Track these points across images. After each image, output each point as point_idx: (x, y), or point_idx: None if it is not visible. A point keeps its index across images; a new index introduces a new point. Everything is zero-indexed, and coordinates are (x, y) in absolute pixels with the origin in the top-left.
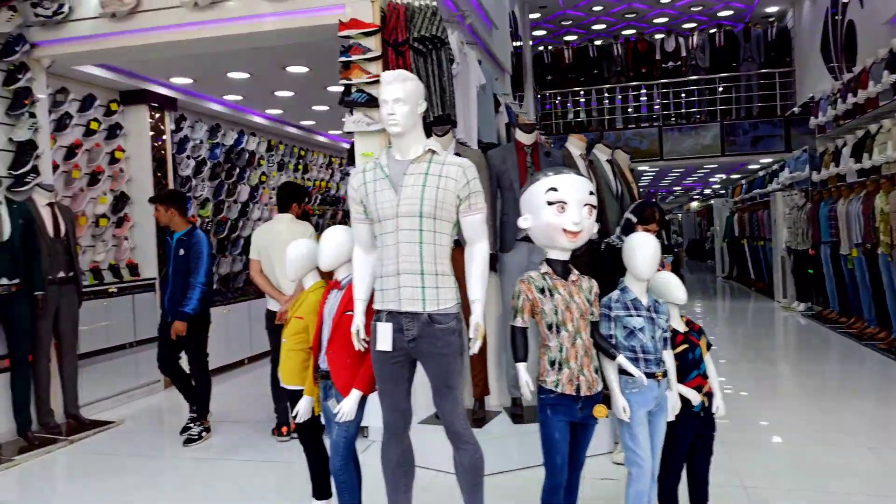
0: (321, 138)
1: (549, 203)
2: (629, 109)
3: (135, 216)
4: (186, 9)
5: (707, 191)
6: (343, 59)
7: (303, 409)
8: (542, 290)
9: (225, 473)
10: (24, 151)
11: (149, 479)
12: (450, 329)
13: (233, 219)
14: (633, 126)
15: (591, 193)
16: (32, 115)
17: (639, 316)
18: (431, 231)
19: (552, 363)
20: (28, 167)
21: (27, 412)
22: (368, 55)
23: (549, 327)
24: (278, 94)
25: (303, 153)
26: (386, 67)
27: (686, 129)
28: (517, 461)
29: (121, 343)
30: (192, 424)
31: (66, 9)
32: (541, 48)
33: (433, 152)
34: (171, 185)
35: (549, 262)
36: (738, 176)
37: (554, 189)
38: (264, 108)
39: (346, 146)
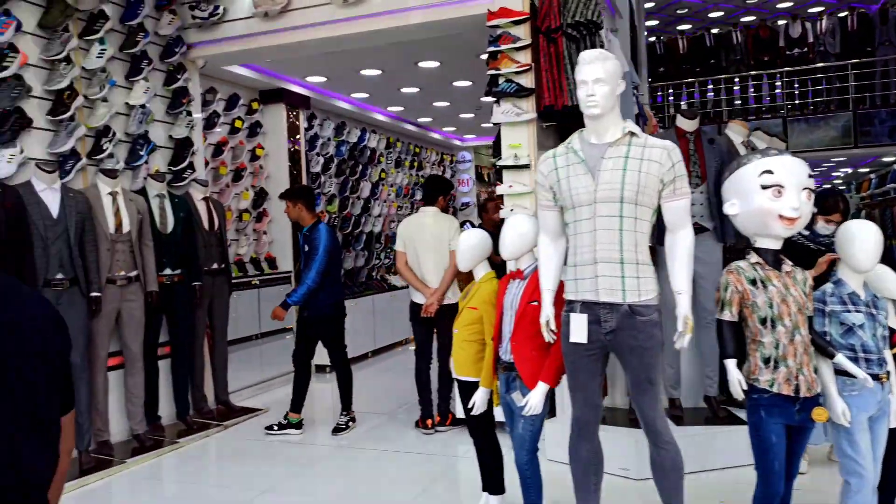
0: (435, 135)
1: (764, 187)
2: (749, 100)
3: (273, 211)
4: (335, 6)
5: (826, 186)
6: (491, 49)
7: (479, 401)
8: (752, 282)
9: (373, 463)
10: (182, 148)
11: (301, 466)
12: (652, 321)
13: (356, 214)
14: (754, 117)
15: (810, 176)
16: (189, 114)
17: (858, 311)
18: (632, 217)
19: (766, 360)
20: (185, 163)
21: (186, 397)
22: (518, 44)
23: (763, 322)
24: (404, 90)
25: (417, 150)
26: (535, 56)
27: (814, 120)
28: None
29: (247, 335)
30: (276, 426)
31: (221, 10)
32: (652, 39)
33: (633, 134)
34: (304, 182)
35: (759, 251)
36: (867, 169)
37: (769, 171)
38: (387, 106)
39: (458, 143)
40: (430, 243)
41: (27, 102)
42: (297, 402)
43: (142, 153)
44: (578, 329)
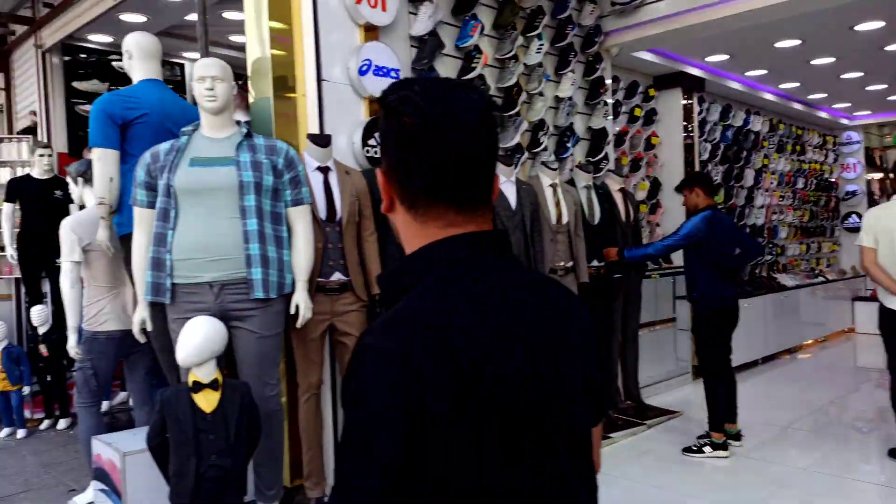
0: (821, 114)
1: None
2: None
3: (665, 202)
4: None
5: None
6: None
7: None
8: None
9: (847, 493)
10: (599, 139)
11: (768, 486)
12: None
13: (740, 205)
14: None
15: None
16: (605, 104)
17: None
18: None
19: None
20: (602, 154)
21: (610, 391)
22: None
23: None
24: (814, 62)
25: (799, 132)
26: None
27: None
28: None
29: None
30: (701, 441)
31: None
32: None
33: None
34: (696, 170)
35: None
36: None
37: None
38: (781, 83)
39: (845, 122)
40: None
41: None
42: (730, 412)
43: (568, 145)
44: None
